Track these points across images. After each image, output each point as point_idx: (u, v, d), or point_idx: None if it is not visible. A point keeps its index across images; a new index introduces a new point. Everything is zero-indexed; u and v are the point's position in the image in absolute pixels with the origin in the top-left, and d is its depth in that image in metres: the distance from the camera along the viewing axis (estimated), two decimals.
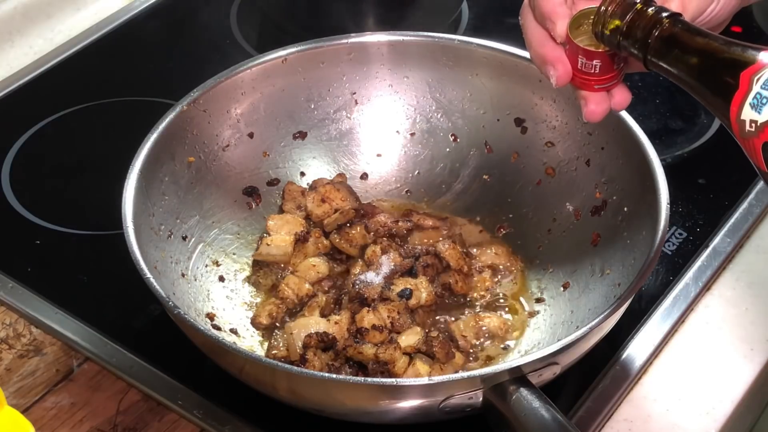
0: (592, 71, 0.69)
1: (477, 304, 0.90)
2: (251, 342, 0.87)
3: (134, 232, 0.80)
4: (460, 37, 0.98)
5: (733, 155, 1.05)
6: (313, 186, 0.98)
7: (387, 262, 0.89)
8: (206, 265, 0.91)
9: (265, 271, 0.93)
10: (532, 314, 0.89)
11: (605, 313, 0.74)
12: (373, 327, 0.83)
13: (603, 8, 0.67)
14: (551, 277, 0.91)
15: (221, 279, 0.91)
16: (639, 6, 0.66)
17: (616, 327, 0.79)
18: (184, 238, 0.89)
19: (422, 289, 0.87)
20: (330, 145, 1.01)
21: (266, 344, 0.86)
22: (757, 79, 0.60)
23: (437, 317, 0.88)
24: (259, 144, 0.97)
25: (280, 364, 0.72)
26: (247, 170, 0.97)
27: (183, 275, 0.87)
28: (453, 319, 0.88)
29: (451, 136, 1.00)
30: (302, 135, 0.99)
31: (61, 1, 1.27)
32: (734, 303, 0.92)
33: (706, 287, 0.93)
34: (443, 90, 0.99)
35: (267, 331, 0.88)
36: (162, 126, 0.89)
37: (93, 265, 0.95)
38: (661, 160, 0.84)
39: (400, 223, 0.94)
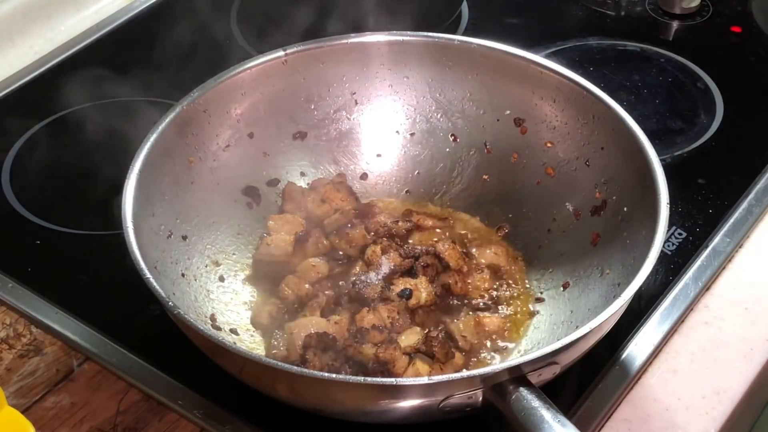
0: None
1: (477, 304, 0.90)
2: (251, 342, 0.87)
3: (134, 232, 0.80)
4: (460, 37, 0.98)
5: (733, 155, 1.07)
6: (313, 186, 0.98)
7: (387, 262, 0.89)
8: (206, 265, 0.90)
9: (265, 271, 0.92)
10: (532, 314, 0.89)
11: (605, 313, 0.74)
12: (373, 327, 0.83)
13: None
14: (551, 277, 0.91)
15: (221, 279, 0.91)
16: None
17: (616, 327, 0.79)
18: (184, 238, 0.89)
19: (422, 289, 0.87)
20: (330, 145, 1.01)
21: (266, 344, 0.87)
22: None
23: (437, 317, 0.88)
24: (259, 144, 0.97)
25: (280, 364, 0.72)
26: (247, 170, 0.97)
27: (183, 275, 0.87)
28: (453, 319, 0.88)
29: (451, 136, 1.00)
30: (302, 135, 0.99)
31: (61, 1, 1.27)
32: (734, 303, 0.92)
33: (706, 287, 0.93)
34: (443, 90, 0.99)
35: (267, 331, 0.88)
36: (162, 126, 0.88)
37: (93, 265, 0.95)
38: (661, 160, 0.84)
39: (400, 223, 0.94)
